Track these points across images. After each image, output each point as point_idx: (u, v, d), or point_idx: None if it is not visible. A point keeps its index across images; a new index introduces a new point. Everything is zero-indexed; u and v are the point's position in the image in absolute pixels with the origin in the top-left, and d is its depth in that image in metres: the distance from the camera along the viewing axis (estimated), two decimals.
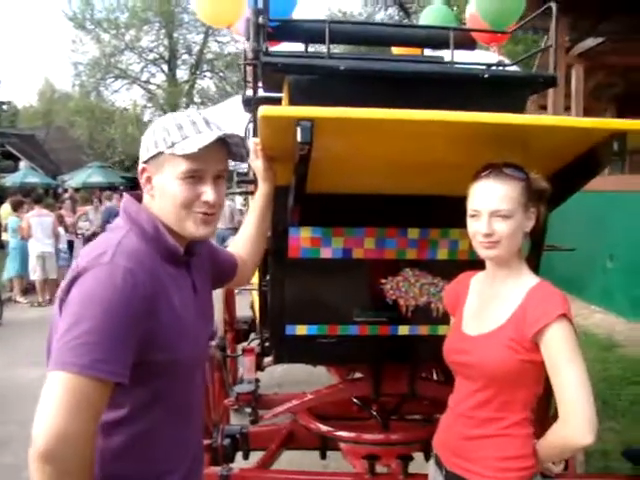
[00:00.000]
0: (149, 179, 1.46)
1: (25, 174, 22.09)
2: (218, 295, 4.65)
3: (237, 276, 1.94)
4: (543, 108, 9.26)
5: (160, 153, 1.42)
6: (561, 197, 2.17)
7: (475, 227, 1.74)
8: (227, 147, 1.49)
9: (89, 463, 1.24)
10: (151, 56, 29.34)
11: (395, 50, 3.97)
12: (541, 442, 1.72)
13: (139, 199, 1.52)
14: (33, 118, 38.76)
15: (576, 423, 1.58)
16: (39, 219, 10.20)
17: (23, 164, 24.21)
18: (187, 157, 1.39)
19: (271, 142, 1.85)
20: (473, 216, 1.75)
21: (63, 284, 1.35)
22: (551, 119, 1.94)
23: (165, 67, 29.63)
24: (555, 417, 1.67)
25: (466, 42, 3.22)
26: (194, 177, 1.43)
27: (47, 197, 23.46)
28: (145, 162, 1.46)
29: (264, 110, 1.63)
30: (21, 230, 10.15)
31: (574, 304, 8.37)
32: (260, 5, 2.30)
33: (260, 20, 2.30)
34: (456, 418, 1.83)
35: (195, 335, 1.49)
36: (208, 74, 30.55)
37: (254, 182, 2.19)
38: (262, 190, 2.03)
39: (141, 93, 30.11)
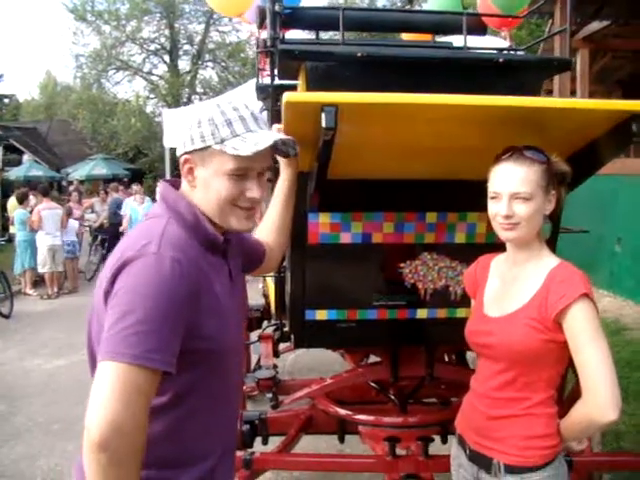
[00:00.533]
0: (191, 170, 1.47)
1: (29, 167, 22.14)
2: None
3: (264, 263, 1.96)
4: (549, 92, 9.23)
5: (207, 147, 1.43)
6: (578, 180, 2.19)
7: (495, 209, 1.76)
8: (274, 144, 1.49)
9: (140, 452, 1.26)
10: (152, 47, 29.16)
11: (405, 36, 3.98)
12: (565, 420, 1.75)
13: (176, 186, 1.53)
14: (35, 111, 38.77)
15: (600, 400, 1.60)
16: (50, 211, 10.23)
17: (26, 157, 24.26)
18: (236, 157, 1.40)
19: (295, 128, 1.86)
20: (493, 198, 1.77)
21: (105, 274, 1.36)
22: (569, 101, 1.96)
23: (167, 58, 29.43)
24: (571, 397, 1.70)
25: (477, 27, 3.23)
26: (240, 174, 1.44)
27: (52, 190, 23.59)
28: (189, 153, 1.46)
29: (289, 96, 1.65)
30: (31, 223, 10.17)
31: None
32: None
33: (276, 7, 2.31)
34: (480, 399, 1.86)
35: (233, 320, 1.51)
36: (210, 64, 30.36)
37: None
38: (285, 176, 2.05)
39: (143, 84, 29.96)
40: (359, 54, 2.23)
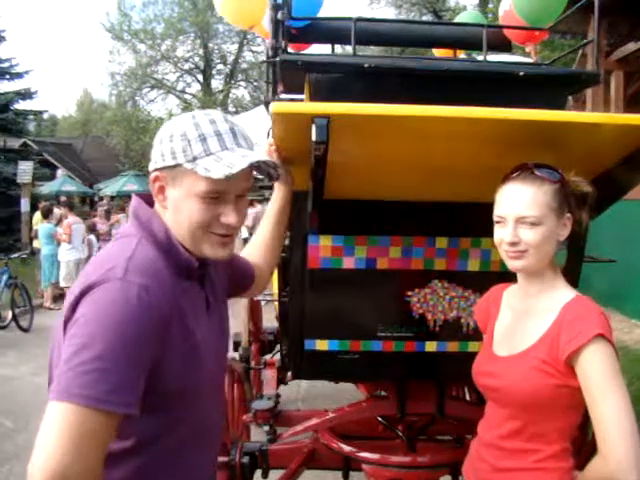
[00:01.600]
0: (162, 189, 1.31)
1: (62, 182, 22.45)
2: (243, 304, 4.54)
3: (253, 286, 1.80)
4: None
5: (178, 165, 1.27)
6: (605, 203, 2.00)
7: (500, 235, 1.57)
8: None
9: None
10: (186, 66, 29.66)
11: (436, 52, 3.83)
12: (580, 477, 1.53)
13: (150, 202, 1.37)
14: (72, 128, 39.59)
15: (618, 461, 1.38)
16: (77, 226, 10.30)
17: (60, 172, 24.65)
18: (210, 178, 1.24)
19: (286, 141, 1.72)
20: (498, 222, 1.59)
21: (68, 301, 1.21)
22: (594, 115, 1.77)
23: (200, 77, 29.90)
24: (593, 443, 1.49)
25: (501, 43, 3.06)
26: (214, 197, 1.28)
27: (84, 205, 23.86)
28: (159, 170, 1.30)
29: (276, 106, 1.50)
30: (59, 236, 10.20)
31: (613, 318, 8.02)
32: (280, 0, 2.18)
33: (279, 16, 2.17)
34: (486, 448, 1.66)
35: (209, 356, 1.35)
36: (243, 83, 30.74)
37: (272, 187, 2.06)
38: (278, 194, 1.90)
39: (176, 102, 30.38)
40: (366, 65, 2.08)
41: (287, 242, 2.23)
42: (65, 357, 1.11)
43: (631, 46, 8.80)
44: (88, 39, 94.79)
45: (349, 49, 2.78)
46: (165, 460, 1.28)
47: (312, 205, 1.92)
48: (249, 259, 1.80)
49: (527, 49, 3.00)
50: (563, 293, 1.59)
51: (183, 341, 1.25)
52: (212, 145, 1.26)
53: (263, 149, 1.91)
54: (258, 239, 1.90)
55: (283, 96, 2.53)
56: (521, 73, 2.12)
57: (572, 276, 2.27)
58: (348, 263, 2.20)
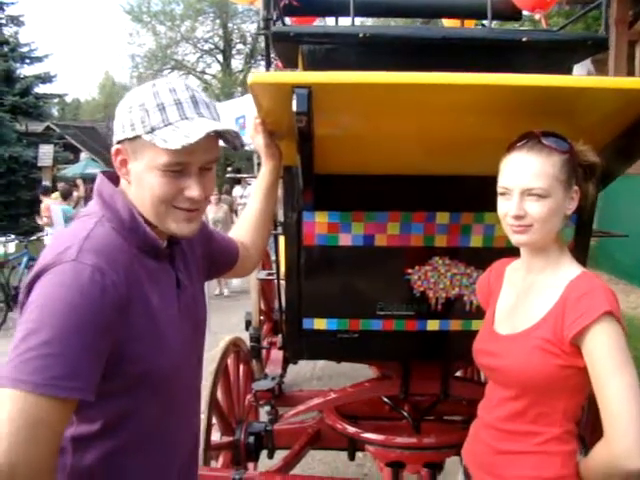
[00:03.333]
0: (124, 162, 1.26)
1: (86, 165, 22.57)
2: (253, 284, 4.52)
3: (238, 265, 1.74)
4: None
5: (137, 136, 1.21)
6: (611, 175, 1.90)
7: (505, 208, 1.48)
8: (220, 133, 1.26)
9: None
10: (206, 46, 29.64)
11: (446, 23, 3.70)
12: (585, 462, 1.45)
13: (116, 180, 1.32)
14: (95, 111, 39.89)
15: (623, 444, 1.30)
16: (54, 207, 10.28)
17: (84, 155, 24.82)
18: (169, 149, 1.18)
19: (269, 114, 1.66)
20: (503, 194, 1.50)
21: (24, 284, 1.17)
22: (601, 80, 1.66)
23: (220, 57, 29.83)
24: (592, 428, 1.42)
25: (509, 11, 2.93)
26: (176, 170, 1.22)
27: None
28: (120, 142, 1.25)
29: (254, 76, 1.44)
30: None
31: (636, 294, 7.88)
32: None
33: None
34: (486, 429, 1.59)
35: (178, 337, 1.30)
36: (263, 63, 30.60)
37: None
38: (266, 170, 1.83)
39: (197, 83, 30.35)
40: (361, 35, 2.00)
41: (281, 218, 2.18)
42: (14, 343, 1.08)
43: None
44: (108, 21, 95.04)
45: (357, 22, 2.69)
46: (137, 442, 1.25)
47: (303, 181, 1.86)
48: (235, 237, 1.75)
49: (537, 17, 2.87)
50: (568, 270, 1.51)
51: (146, 322, 1.20)
52: (171, 115, 1.20)
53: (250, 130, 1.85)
54: (245, 217, 1.85)
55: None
56: (524, 39, 2.02)
57: (581, 251, 2.18)
58: (345, 240, 2.14)
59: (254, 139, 1.82)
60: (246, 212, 1.86)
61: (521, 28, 3.17)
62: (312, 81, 1.44)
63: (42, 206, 10.31)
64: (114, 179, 1.32)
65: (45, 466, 1.06)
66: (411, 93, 1.57)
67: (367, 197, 2.10)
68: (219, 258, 1.65)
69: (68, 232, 1.22)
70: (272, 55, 2.78)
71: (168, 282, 1.32)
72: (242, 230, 1.81)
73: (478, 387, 2.75)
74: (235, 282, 9.09)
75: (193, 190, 1.23)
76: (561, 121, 1.55)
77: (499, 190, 1.51)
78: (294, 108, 1.45)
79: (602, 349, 1.35)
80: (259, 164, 3.21)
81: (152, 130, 1.19)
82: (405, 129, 1.80)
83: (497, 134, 1.62)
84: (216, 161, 1.29)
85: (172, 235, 1.32)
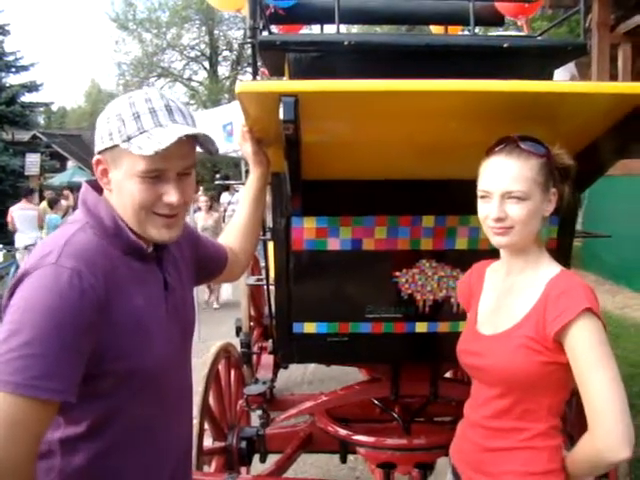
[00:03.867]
0: (105, 172, 1.30)
1: (72, 173, 22.48)
2: (242, 290, 4.53)
3: (227, 270, 1.77)
4: None
5: (115, 146, 1.25)
6: (587, 179, 1.94)
7: (485, 210, 1.52)
8: (196, 139, 1.31)
9: None
10: (192, 53, 29.59)
11: (434, 30, 3.74)
12: (570, 456, 1.49)
13: (100, 189, 1.36)
14: (81, 119, 39.71)
15: (607, 436, 1.34)
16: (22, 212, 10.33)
17: (71, 164, 24.72)
18: (145, 156, 1.21)
19: (256, 122, 1.68)
20: (483, 197, 1.54)
21: (7, 289, 1.21)
22: (578, 85, 1.71)
23: (206, 64, 29.80)
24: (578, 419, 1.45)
25: (492, 17, 2.98)
26: (154, 176, 1.25)
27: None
28: (100, 152, 1.29)
29: (241, 85, 1.47)
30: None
31: (623, 294, 7.96)
32: None
33: None
34: (473, 428, 1.62)
35: (165, 338, 1.33)
36: (249, 69, 30.56)
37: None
38: (254, 176, 1.87)
39: (184, 91, 30.37)
40: (346, 42, 2.03)
41: (270, 224, 2.21)
42: None
43: (638, 19, 8.62)
44: (94, 30, 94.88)
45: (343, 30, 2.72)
46: (125, 442, 1.28)
47: (290, 187, 1.89)
48: (224, 243, 1.78)
49: (519, 23, 2.93)
50: (547, 269, 1.55)
51: (130, 322, 1.24)
52: (146, 123, 1.23)
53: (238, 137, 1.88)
54: (234, 223, 1.88)
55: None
56: (505, 45, 2.07)
57: (564, 252, 2.23)
58: (333, 244, 2.17)
59: (242, 146, 1.85)
60: (235, 218, 1.89)
61: (505, 33, 3.22)
62: (298, 89, 1.47)
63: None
64: (98, 188, 1.35)
65: (24, 466, 1.09)
66: (396, 100, 1.60)
67: (354, 202, 2.13)
68: (208, 263, 1.68)
69: (51, 238, 1.26)
70: (258, 63, 2.82)
71: (155, 284, 1.35)
72: (231, 236, 1.84)
73: (467, 388, 2.79)
74: (224, 294, 9.11)
75: (171, 195, 1.27)
76: (541, 125, 1.59)
77: (479, 194, 1.55)
78: (281, 116, 1.48)
79: (584, 345, 1.39)
80: (247, 171, 3.24)
81: (128, 139, 1.23)
82: (391, 135, 1.83)
83: (480, 138, 1.65)
84: (193, 166, 1.33)
85: (153, 241, 1.35)
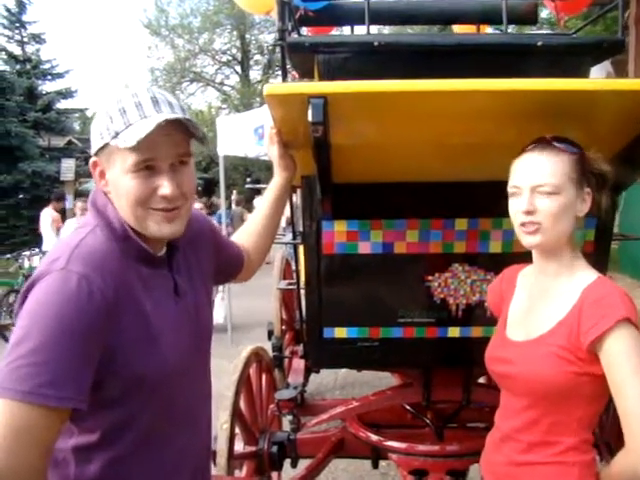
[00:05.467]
0: (102, 174, 1.29)
1: None
2: (274, 294, 4.53)
3: (241, 273, 1.76)
4: None
5: (106, 144, 1.23)
6: (627, 179, 1.88)
7: (515, 206, 1.48)
8: (186, 127, 1.27)
9: None
10: (224, 58, 29.78)
11: (456, 29, 3.69)
12: (605, 471, 1.44)
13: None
14: None
15: None
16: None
17: None
18: (132, 149, 1.19)
19: (285, 125, 1.67)
20: (513, 194, 1.49)
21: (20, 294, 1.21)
22: (612, 82, 1.65)
23: (238, 68, 29.98)
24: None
25: (525, 15, 2.92)
26: (146, 168, 1.23)
27: None
28: (95, 154, 1.28)
29: (269, 88, 1.45)
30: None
31: None
32: None
33: None
34: (503, 440, 1.57)
35: (175, 343, 1.31)
36: (280, 73, 30.68)
37: None
38: (277, 180, 1.85)
39: (216, 95, 30.62)
40: (376, 43, 2.01)
41: (301, 228, 2.19)
42: (7, 351, 1.10)
43: None
44: (127, 36, 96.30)
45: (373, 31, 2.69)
46: (138, 449, 1.26)
47: (321, 190, 1.87)
48: (239, 242, 1.76)
49: (560, 21, 2.86)
50: (583, 275, 1.49)
51: (139, 327, 1.22)
52: (131, 116, 1.21)
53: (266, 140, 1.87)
54: (250, 224, 1.86)
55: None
56: (539, 43, 2.02)
57: (601, 256, 2.17)
58: (364, 248, 2.14)
59: (269, 149, 1.84)
60: (253, 218, 1.88)
61: (539, 32, 3.15)
62: (327, 91, 1.45)
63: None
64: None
65: (36, 474, 1.08)
66: (426, 100, 1.57)
67: (385, 205, 2.10)
68: (227, 265, 1.67)
69: (62, 243, 1.26)
70: (288, 66, 2.81)
71: (165, 289, 1.33)
72: (247, 236, 1.82)
73: (500, 394, 2.74)
74: (216, 316, 9.04)
75: (165, 188, 1.23)
76: (575, 125, 1.55)
77: (510, 190, 1.51)
78: (310, 118, 1.46)
79: (620, 356, 1.33)
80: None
81: (116, 134, 1.21)
82: (421, 136, 1.80)
83: (512, 139, 1.62)
84: (189, 155, 1.30)
85: (156, 238, 1.31)
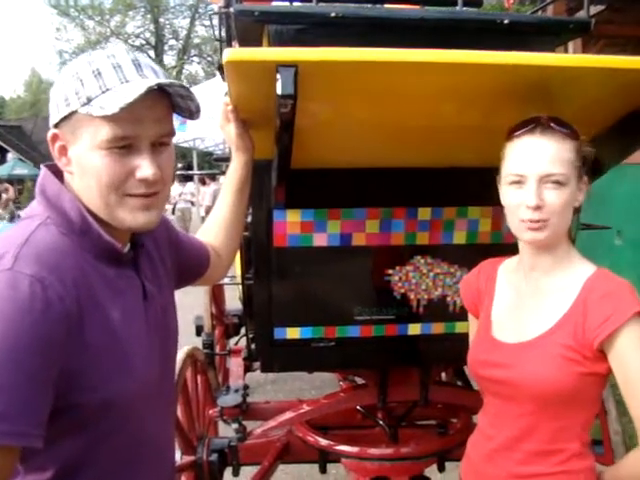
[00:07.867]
0: (63, 149, 1.05)
1: (13, 165, 21.71)
2: (203, 288, 4.27)
3: (208, 273, 1.54)
4: None
5: (73, 112, 1.00)
6: (602, 167, 1.78)
7: (518, 198, 1.31)
8: (170, 100, 1.07)
9: None
10: (137, 42, 28.90)
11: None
12: (611, 473, 1.34)
13: (61, 175, 1.10)
14: (21, 109, 38.26)
15: None
16: None
17: (11, 156, 23.79)
18: (109, 119, 0.97)
19: (244, 99, 1.45)
20: (515, 183, 1.32)
21: None
22: (606, 59, 1.52)
23: (152, 53, 29.09)
24: None
25: None
26: (123, 146, 1.01)
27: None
28: (56, 126, 1.04)
29: (232, 53, 1.23)
30: None
31: None
32: None
33: None
34: (497, 451, 1.42)
35: (146, 357, 1.09)
36: (196, 59, 30.10)
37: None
38: (237, 163, 1.62)
39: None
40: (333, 14, 1.82)
41: (249, 218, 1.98)
42: None
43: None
44: (33, 16, 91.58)
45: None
46: None
47: (277, 176, 1.66)
48: (204, 241, 1.54)
49: (506, 4, 2.76)
50: (580, 267, 1.37)
51: (105, 341, 1.00)
52: (109, 79, 1.00)
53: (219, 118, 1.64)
54: (214, 218, 1.64)
55: None
56: (506, 21, 1.89)
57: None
58: (320, 240, 1.95)
59: (224, 129, 1.61)
60: (215, 212, 1.64)
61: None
62: (300, 59, 1.24)
63: None
64: (59, 173, 1.09)
65: None
66: (401, 74, 1.40)
67: (344, 193, 1.93)
68: (189, 266, 1.44)
69: (4, 237, 1.00)
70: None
71: (133, 292, 1.11)
72: (211, 232, 1.60)
73: (458, 391, 2.64)
74: None
75: (145, 169, 1.02)
76: (550, 108, 1.41)
77: (510, 179, 1.34)
78: (278, 90, 1.25)
79: (634, 353, 1.23)
80: (216, 159, 2.98)
81: (88, 101, 0.99)
82: (387, 117, 1.64)
83: (480, 122, 1.51)
84: (171, 135, 1.09)
85: (127, 229, 1.10)
